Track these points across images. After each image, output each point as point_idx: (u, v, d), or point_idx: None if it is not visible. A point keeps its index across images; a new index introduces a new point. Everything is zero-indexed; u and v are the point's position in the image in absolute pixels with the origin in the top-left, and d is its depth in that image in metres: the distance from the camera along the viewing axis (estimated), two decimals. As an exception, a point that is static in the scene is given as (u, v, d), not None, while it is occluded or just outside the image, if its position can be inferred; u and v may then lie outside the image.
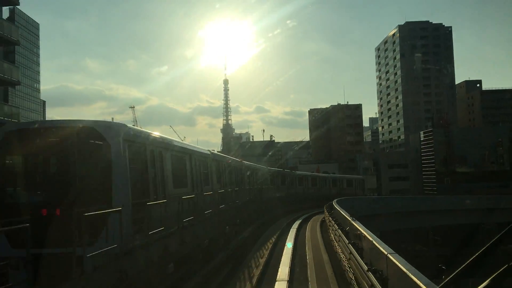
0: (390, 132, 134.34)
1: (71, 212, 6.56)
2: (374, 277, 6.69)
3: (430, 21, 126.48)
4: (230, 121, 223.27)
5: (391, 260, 5.90)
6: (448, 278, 3.10)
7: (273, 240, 19.28)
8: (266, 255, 15.23)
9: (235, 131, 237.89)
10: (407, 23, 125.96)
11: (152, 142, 10.09)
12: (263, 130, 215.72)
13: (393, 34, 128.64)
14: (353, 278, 8.79)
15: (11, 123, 19.64)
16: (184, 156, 12.79)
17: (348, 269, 9.57)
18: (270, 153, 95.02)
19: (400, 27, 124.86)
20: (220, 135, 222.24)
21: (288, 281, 10.41)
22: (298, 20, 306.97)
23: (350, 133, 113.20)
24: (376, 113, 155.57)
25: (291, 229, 23.05)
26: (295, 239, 19.12)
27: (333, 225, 15.67)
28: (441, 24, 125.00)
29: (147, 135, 10.08)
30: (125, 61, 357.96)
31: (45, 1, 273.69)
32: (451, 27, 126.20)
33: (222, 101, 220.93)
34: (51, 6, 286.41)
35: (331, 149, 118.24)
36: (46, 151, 8.73)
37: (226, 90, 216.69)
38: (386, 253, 6.26)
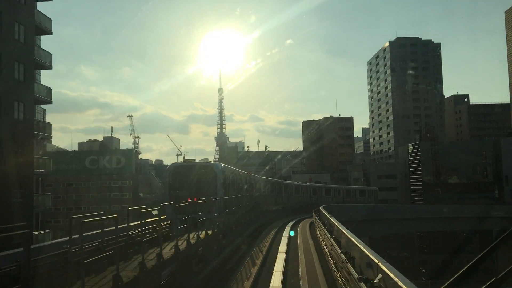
0: (381, 143, 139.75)
1: (201, 199, 16.26)
2: (337, 244, 11.40)
3: (419, 37, 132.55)
4: (224, 129, 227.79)
5: (347, 236, 10.61)
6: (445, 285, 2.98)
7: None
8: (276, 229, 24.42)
9: (230, 140, 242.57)
10: (398, 38, 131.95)
11: (228, 170, 24.31)
12: (259, 141, 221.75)
13: (384, 49, 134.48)
14: (327, 251, 13.54)
15: (176, 163, 34.04)
16: (239, 176, 27.93)
17: (324, 246, 14.38)
18: (267, 167, 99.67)
19: (391, 43, 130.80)
20: (214, 143, 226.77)
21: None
22: (294, 31, 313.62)
23: (342, 144, 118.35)
24: (369, 123, 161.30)
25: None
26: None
27: (318, 222, 20.51)
28: (430, 40, 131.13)
29: (227, 167, 24.16)
30: (120, 68, 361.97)
31: (39, 7, 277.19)
32: (440, 43, 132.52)
33: (217, 110, 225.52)
34: (46, 12, 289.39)
35: (324, 159, 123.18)
36: (192, 174, 21.50)
37: (220, 98, 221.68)
38: (345, 233, 10.97)
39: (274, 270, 13.27)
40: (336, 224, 14.09)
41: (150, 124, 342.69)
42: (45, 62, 32.54)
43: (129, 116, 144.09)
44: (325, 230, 14.88)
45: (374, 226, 51.70)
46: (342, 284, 9.49)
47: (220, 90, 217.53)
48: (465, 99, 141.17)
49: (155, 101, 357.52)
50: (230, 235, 20.27)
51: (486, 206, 51.86)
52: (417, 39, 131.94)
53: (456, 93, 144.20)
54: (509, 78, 33.02)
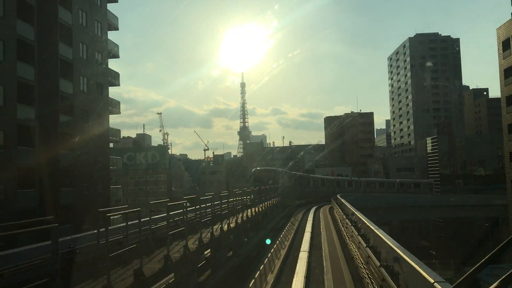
0: (401, 137, 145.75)
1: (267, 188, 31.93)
2: (348, 220, 19.36)
3: (439, 33, 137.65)
4: (247, 123, 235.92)
5: (357, 216, 18.61)
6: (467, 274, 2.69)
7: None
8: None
9: (252, 134, 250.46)
10: (417, 35, 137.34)
11: (283, 171, 48.63)
12: (283, 137, 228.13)
13: (404, 46, 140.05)
14: (339, 220, 21.62)
15: (256, 169, 52.80)
16: (288, 174, 50.31)
17: (337, 216, 22.50)
18: (291, 163, 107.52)
19: (410, 39, 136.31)
20: (237, 137, 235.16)
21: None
22: (316, 24, 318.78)
23: (362, 138, 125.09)
24: (390, 117, 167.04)
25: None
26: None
27: (335, 205, 28.60)
28: (449, 36, 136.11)
29: (282, 170, 49.32)
30: (143, 64, 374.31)
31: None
32: (458, 39, 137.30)
33: (239, 104, 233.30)
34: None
35: (345, 153, 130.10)
36: (265, 174, 42.96)
37: (243, 93, 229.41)
38: (353, 210, 18.94)
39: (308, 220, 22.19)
40: (344, 202, 22.13)
41: (173, 118, 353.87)
42: (115, 81, 41.32)
43: (158, 113, 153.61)
44: (339, 208, 22.57)
45: (396, 213, 60.42)
46: (343, 229, 17.59)
47: (243, 85, 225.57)
48: (485, 93, 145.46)
49: (178, 95, 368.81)
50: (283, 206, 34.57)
51: (490, 196, 58.29)
52: (436, 35, 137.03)
53: (476, 87, 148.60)
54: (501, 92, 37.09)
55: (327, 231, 22.00)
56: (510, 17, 42.65)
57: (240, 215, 19.11)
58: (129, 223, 9.99)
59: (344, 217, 18.37)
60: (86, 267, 8.63)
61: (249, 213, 20.87)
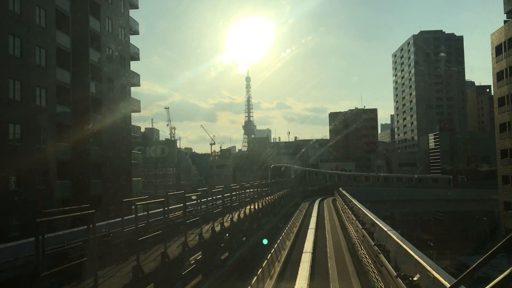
0: (405, 132, 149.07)
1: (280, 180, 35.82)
2: (349, 208, 23.22)
3: (443, 31, 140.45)
4: (252, 118, 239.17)
5: (354, 203, 22.47)
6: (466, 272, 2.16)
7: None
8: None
9: (257, 128, 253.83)
10: (421, 32, 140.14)
11: (296, 167, 59.20)
12: (289, 133, 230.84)
13: (408, 43, 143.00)
14: (340, 208, 25.49)
15: (274, 165, 59.60)
16: (301, 169, 61.17)
17: (340, 207, 26.44)
18: (296, 157, 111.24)
19: (415, 37, 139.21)
20: (241, 131, 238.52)
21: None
22: (320, 18, 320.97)
23: (366, 134, 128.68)
24: (394, 113, 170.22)
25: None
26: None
27: (338, 196, 32.51)
28: (453, 33, 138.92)
29: (295, 167, 59.21)
30: (149, 57, 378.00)
31: None
32: (462, 36, 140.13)
33: (244, 98, 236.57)
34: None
35: (349, 148, 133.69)
36: (280, 170, 52.78)
37: (248, 87, 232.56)
38: (352, 200, 22.78)
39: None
40: (343, 191, 26.06)
41: (178, 112, 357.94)
42: (136, 82, 45.24)
43: (166, 108, 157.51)
44: (340, 198, 26.46)
45: (399, 205, 64.89)
46: (342, 210, 21.50)
47: (248, 79, 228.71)
48: (487, 90, 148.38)
49: (183, 89, 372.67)
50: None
51: (488, 190, 61.85)
52: (440, 32, 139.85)
53: (479, 84, 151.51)
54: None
55: (330, 216, 26.21)
56: (503, 24, 46.06)
57: (262, 200, 23.23)
58: (149, 212, 11.52)
59: (344, 203, 22.34)
60: (117, 249, 9.74)
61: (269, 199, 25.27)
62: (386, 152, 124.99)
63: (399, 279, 8.00)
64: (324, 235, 19.52)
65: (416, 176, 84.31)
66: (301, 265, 12.99)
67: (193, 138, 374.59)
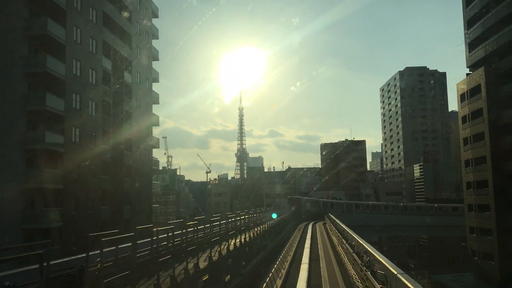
0: (393, 162, 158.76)
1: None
2: (335, 228, 31.68)
3: (427, 67, 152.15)
4: (244, 145, 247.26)
5: (331, 218, 31.07)
6: None
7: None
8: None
9: (249, 155, 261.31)
10: (407, 68, 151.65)
11: (305, 199, 76.48)
12: (283, 162, 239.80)
13: (395, 78, 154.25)
14: (330, 231, 34.01)
15: (290, 196, 75.46)
16: (310, 200, 71.24)
17: (330, 231, 35.02)
18: (289, 185, 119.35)
19: (400, 72, 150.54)
20: (233, 158, 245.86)
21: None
22: (313, 47, 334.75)
23: (355, 164, 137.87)
24: (382, 143, 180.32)
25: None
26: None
27: (328, 221, 41.03)
28: (436, 70, 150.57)
29: (305, 198, 76.88)
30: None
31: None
32: (445, 72, 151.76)
33: (237, 125, 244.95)
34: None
35: (340, 177, 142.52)
36: (295, 200, 71.46)
37: (241, 115, 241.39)
38: (342, 226, 31.35)
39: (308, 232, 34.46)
40: (333, 217, 34.59)
41: (170, 139, 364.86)
42: (155, 121, 54.06)
43: (163, 137, 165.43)
44: (328, 219, 34.91)
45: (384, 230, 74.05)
46: (330, 229, 30.07)
47: (241, 108, 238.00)
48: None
49: (176, 116, 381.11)
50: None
51: (459, 218, 69.96)
52: (424, 68, 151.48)
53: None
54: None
55: (320, 230, 34.69)
56: (465, 76, 55.88)
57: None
58: (160, 237, 14.62)
59: (332, 226, 30.70)
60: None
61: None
62: (374, 181, 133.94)
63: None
64: (317, 241, 27.96)
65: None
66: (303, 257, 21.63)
67: (186, 165, 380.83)
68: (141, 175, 49.18)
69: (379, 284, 11.71)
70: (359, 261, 15.55)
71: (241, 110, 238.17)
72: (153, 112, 55.02)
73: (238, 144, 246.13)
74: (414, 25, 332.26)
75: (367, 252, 15.17)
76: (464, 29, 56.19)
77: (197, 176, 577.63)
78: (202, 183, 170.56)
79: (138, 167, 48.64)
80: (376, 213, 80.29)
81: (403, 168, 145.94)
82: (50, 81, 33.85)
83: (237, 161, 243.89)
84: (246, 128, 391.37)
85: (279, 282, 17.72)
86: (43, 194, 33.01)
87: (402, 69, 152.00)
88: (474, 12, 53.69)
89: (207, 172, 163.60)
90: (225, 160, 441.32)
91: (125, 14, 46.16)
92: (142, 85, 50.12)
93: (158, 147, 54.72)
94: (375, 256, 13.17)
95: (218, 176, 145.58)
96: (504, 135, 49.10)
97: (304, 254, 22.58)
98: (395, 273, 10.18)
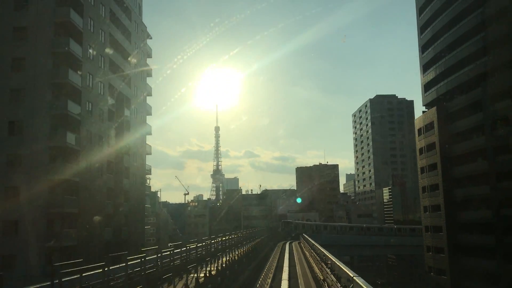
0: (364, 185, 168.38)
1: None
2: (308, 244, 39.10)
3: (396, 95, 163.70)
4: (220, 166, 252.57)
5: (306, 237, 38.58)
6: None
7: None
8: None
9: (225, 176, 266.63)
10: (377, 96, 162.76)
11: (297, 222, 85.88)
12: (260, 185, 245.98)
13: (366, 105, 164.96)
14: (305, 249, 41.45)
15: (284, 220, 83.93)
16: (301, 222, 79.61)
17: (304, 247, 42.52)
18: (265, 207, 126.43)
19: (371, 100, 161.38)
20: (209, 179, 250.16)
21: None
22: (289, 69, 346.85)
23: (329, 187, 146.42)
24: (354, 167, 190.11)
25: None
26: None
27: (303, 240, 48.47)
28: (404, 98, 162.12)
29: (295, 221, 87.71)
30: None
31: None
32: (412, 101, 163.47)
33: (213, 146, 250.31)
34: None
35: (314, 199, 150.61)
36: (287, 223, 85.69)
37: (217, 136, 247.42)
38: (312, 242, 38.85)
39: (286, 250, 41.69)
40: (305, 235, 41.97)
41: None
42: (149, 150, 60.83)
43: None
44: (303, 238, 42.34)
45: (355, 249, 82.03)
46: (303, 245, 37.53)
47: (217, 128, 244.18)
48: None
49: (151, 136, 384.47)
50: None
51: (420, 238, 77.98)
52: (393, 96, 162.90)
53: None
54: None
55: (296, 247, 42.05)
56: (422, 113, 64.98)
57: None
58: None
59: (306, 243, 38.00)
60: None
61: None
62: (346, 203, 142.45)
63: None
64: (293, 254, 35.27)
65: (364, 225, 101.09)
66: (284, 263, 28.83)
67: (160, 186, 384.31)
68: (136, 199, 55.73)
69: (339, 284, 18.65)
70: (325, 266, 22.69)
71: (217, 130, 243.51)
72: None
73: (214, 165, 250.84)
74: (388, 50, 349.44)
75: (331, 260, 22.37)
76: (420, 73, 65.51)
77: (173, 197, 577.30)
78: (179, 204, 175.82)
79: (134, 192, 55.19)
80: (342, 234, 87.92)
81: (375, 191, 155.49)
82: (69, 121, 40.57)
83: (212, 182, 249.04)
84: (222, 148, 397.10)
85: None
86: (62, 217, 39.41)
87: (372, 97, 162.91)
88: (428, 59, 63.05)
89: (185, 194, 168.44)
90: (201, 181, 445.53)
91: (130, 59, 53.49)
92: (139, 117, 57.13)
93: (150, 174, 61.45)
94: (335, 263, 20.41)
95: (194, 197, 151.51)
96: (453, 166, 57.85)
97: (284, 263, 29.63)
98: (352, 276, 17.44)
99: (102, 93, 46.82)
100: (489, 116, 50.66)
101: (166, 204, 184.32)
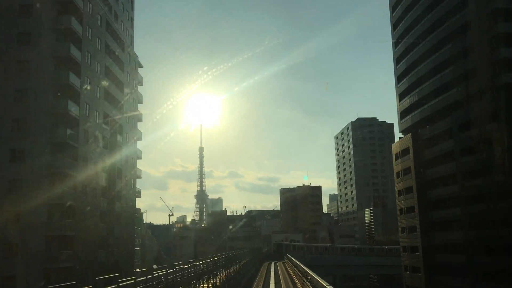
0: (347, 206, 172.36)
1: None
2: (291, 262, 42.25)
3: (376, 118, 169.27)
4: (204, 187, 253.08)
5: (289, 257, 41.78)
6: None
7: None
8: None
9: (209, 197, 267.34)
10: (358, 119, 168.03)
11: (286, 244, 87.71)
12: (245, 207, 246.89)
13: (347, 128, 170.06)
14: (289, 267, 44.56)
15: (276, 242, 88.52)
16: (292, 243, 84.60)
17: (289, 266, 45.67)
18: (250, 228, 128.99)
19: (353, 123, 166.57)
20: (193, 200, 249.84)
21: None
22: (272, 90, 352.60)
23: (312, 208, 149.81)
24: (337, 189, 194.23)
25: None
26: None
27: (287, 260, 51.57)
28: (384, 121, 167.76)
29: (286, 243, 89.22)
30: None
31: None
32: (393, 123, 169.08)
33: (197, 166, 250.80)
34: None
35: (297, 220, 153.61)
36: (278, 245, 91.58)
37: (201, 157, 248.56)
38: (296, 261, 42.03)
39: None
40: (289, 255, 45.10)
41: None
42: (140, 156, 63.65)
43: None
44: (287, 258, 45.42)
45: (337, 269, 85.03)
46: (287, 262, 40.68)
47: (201, 149, 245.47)
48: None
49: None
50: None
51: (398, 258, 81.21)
52: (373, 119, 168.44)
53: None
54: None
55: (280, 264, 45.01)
56: (398, 139, 69.25)
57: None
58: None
59: (290, 263, 41.30)
60: None
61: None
62: (329, 224, 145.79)
63: None
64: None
65: (340, 246, 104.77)
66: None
67: (143, 206, 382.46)
68: (126, 222, 58.24)
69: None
70: (304, 279, 26.03)
71: (201, 151, 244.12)
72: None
73: (198, 186, 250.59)
74: (369, 73, 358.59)
75: (310, 275, 25.64)
76: (397, 101, 70.02)
77: (156, 217, 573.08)
78: (164, 226, 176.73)
79: (124, 216, 57.73)
80: (320, 254, 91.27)
81: (357, 211, 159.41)
82: (68, 148, 43.35)
83: (196, 203, 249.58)
84: (206, 169, 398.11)
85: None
86: (59, 240, 41.84)
87: (354, 120, 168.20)
88: (403, 89, 67.65)
89: (169, 215, 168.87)
90: (184, 201, 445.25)
91: (125, 89, 56.77)
92: (132, 144, 60.09)
93: (140, 197, 64.09)
94: (313, 276, 23.69)
95: (177, 218, 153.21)
96: (427, 189, 61.88)
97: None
98: (325, 285, 20.71)
99: (96, 121, 49.77)
100: (459, 143, 54.97)
101: (150, 225, 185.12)
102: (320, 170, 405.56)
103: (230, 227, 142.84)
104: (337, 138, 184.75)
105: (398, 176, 69.68)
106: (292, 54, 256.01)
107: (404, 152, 66.46)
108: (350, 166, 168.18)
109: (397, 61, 69.54)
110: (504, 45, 49.99)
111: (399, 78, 69.39)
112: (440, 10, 57.54)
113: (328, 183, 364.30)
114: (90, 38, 48.29)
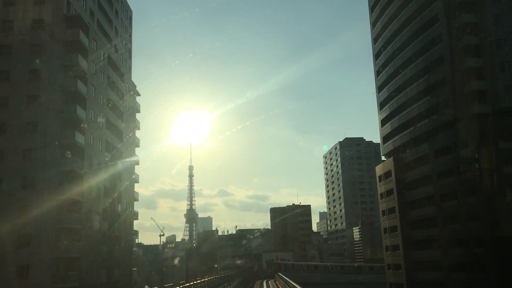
0: (336, 225, 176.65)
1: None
2: (280, 278, 46.33)
3: (363, 138, 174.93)
4: (194, 205, 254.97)
5: (280, 275, 45.89)
6: None
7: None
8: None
9: (199, 216, 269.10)
10: (346, 139, 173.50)
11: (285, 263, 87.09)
12: (236, 226, 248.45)
13: (336, 147, 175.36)
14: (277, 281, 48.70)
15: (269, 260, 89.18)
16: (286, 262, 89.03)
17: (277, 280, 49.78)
18: (241, 247, 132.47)
19: (340, 143, 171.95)
20: (182, 219, 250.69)
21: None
22: (262, 109, 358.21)
23: (302, 227, 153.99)
24: (326, 207, 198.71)
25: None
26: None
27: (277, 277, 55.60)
28: (371, 141, 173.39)
29: (281, 261, 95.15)
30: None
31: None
32: (379, 143, 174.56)
33: (186, 185, 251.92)
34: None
35: (287, 239, 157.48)
36: (277, 264, 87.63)
37: (191, 176, 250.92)
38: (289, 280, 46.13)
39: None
40: (280, 273, 49.12)
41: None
42: (136, 197, 67.45)
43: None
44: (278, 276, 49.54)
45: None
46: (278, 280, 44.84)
47: (191, 168, 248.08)
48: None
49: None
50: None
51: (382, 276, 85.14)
52: (361, 139, 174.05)
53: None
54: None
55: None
56: (382, 161, 74.09)
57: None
58: None
59: (280, 279, 45.47)
60: None
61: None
62: (319, 243, 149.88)
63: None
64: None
65: (327, 264, 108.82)
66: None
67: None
68: (125, 243, 61.92)
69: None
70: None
71: (191, 170, 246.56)
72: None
73: (187, 204, 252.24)
74: (358, 92, 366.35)
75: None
76: (379, 126, 75.15)
77: (145, 237, 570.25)
78: (154, 246, 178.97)
79: (123, 236, 61.42)
80: (309, 273, 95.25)
81: (346, 230, 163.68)
82: (75, 177, 47.35)
83: (186, 222, 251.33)
84: (195, 187, 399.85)
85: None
86: (65, 262, 45.56)
87: (342, 139, 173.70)
88: (384, 115, 72.85)
89: (160, 235, 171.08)
90: (173, 220, 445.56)
91: (123, 118, 60.99)
92: (129, 169, 64.12)
93: (137, 219, 67.77)
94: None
95: (167, 237, 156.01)
96: (409, 210, 66.57)
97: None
98: None
99: (100, 149, 53.87)
100: (435, 167, 59.94)
101: (140, 245, 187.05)
102: (311, 188, 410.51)
103: (221, 246, 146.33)
104: (325, 157, 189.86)
105: (381, 197, 74.37)
106: (283, 74, 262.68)
107: (387, 174, 71.28)
108: (339, 185, 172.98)
109: (379, 89, 74.88)
110: (475, 78, 55.43)
111: (381, 105, 74.59)
112: (417, 44, 63.10)
113: (318, 201, 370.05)
114: (94, 73, 52.71)
